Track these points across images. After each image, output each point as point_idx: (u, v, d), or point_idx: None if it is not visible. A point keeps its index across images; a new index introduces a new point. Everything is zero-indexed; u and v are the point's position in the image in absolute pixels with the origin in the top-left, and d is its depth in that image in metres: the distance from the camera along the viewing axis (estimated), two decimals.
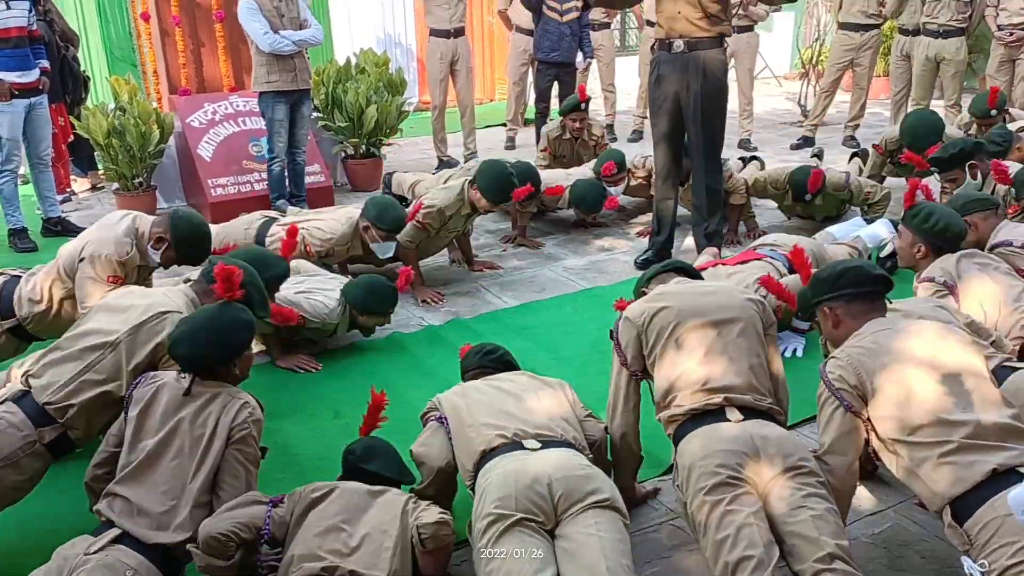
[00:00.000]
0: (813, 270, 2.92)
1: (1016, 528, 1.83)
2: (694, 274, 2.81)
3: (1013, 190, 4.03)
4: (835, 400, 2.16)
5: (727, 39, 4.53)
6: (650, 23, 7.79)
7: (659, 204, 4.85)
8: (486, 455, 2.29)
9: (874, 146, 5.79)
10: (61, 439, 2.49)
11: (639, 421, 2.53)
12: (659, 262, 3.14)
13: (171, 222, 3.24)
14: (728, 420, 2.25)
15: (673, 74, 4.47)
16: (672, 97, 4.51)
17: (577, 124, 5.95)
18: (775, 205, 5.55)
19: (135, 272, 3.31)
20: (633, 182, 5.73)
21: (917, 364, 2.12)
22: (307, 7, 5.85)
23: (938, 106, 7.46)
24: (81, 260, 3.20)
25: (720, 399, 2.28)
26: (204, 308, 2.56)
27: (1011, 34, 6.77)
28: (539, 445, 2.27)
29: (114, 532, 2.17)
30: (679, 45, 4.41)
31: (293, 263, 4.19)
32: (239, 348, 2.43)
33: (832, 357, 2.24)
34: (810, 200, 5.08)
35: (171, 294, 2.75)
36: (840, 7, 7.56)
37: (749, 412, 2.28)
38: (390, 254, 4.30)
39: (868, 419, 2.15)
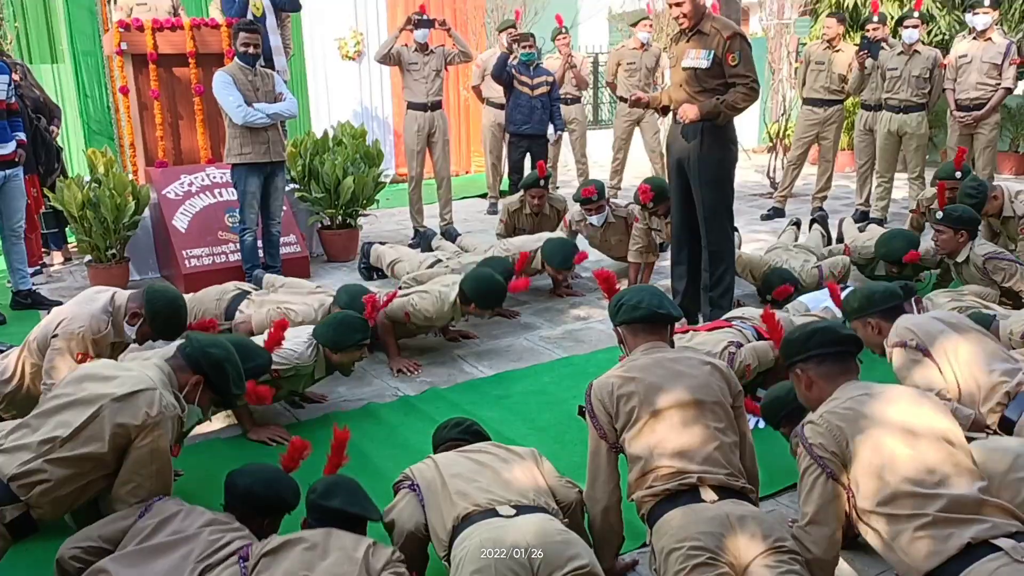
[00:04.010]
0: (784, 332, 2.93)
1: None
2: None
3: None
4: (817, 468, 2.14)
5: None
6: (622, 99, 8.02)
7: (672, 268, 4.91)
8: (461, 523, 2.26)
9: (846, 247, 5.67)
10: (23, 519, 2.40)
11: (621, 501, 2.48)
12: None
13: (146, 297, 3.21)
14: (703, 500, 2.24)
15: (676, 142, 4.64)
16: (677, 164, 4.67)
17: (536, 200, 6.08)
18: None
19: (108, 348, 3.26)
20: (612, 219, 5.79)
21: (892, 432, 2.12)
22: (283, 81, 5.94)
23: (901, 178, 7.70)
24: (54, 336, 3.14)
25: (694, 479, 2.28)
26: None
27: (968, 115, 7.01)
28: (513, 512, 2.25)
29: None
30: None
31: None
32: (279, 508, 2.53)
33: (809, 422, 2.22)
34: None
35: (147, 368, 2.67)
36: (804, 84, 7.83)
37: (723, 491, 2.28)
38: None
39: (848, 487, 2.13)
